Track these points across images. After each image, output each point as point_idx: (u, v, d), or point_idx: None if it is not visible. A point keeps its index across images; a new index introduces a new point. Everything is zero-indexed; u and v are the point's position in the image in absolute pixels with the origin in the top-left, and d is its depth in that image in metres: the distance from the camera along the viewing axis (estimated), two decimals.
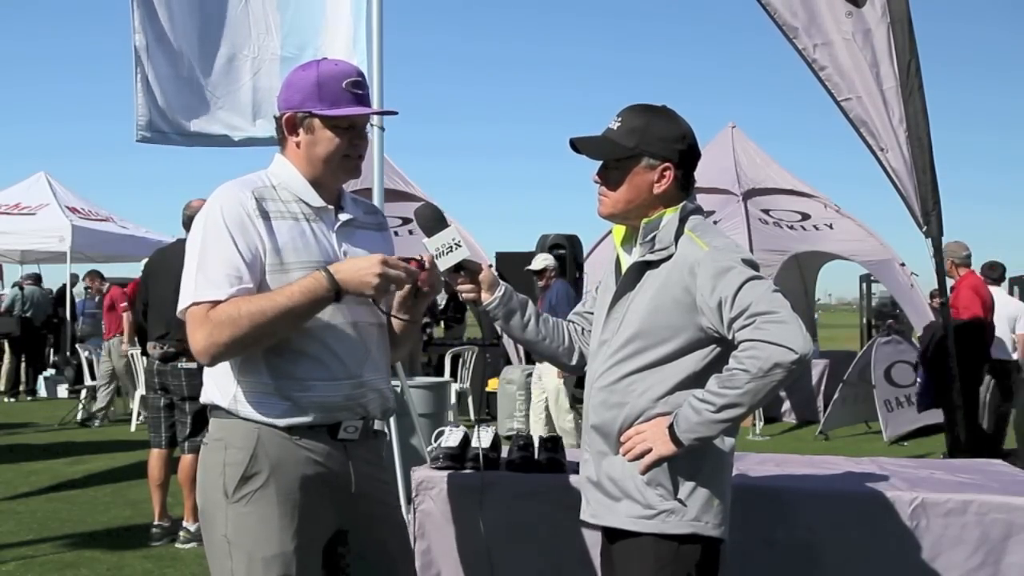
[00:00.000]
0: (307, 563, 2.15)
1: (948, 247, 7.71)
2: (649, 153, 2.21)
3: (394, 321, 2.37)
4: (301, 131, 2.21)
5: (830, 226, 11.09)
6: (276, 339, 2.11)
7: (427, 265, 2.26)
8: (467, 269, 2.35)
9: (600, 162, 2.29)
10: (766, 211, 10.99)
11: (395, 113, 2.35)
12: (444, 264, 2.29)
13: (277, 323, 2.07)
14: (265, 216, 2.14)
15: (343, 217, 2.27)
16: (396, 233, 11.84)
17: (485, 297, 2.39)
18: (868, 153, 4.94)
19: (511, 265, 9.86)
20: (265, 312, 2.05)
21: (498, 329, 2.54)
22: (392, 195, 10.19)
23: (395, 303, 2.34)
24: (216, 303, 2.06)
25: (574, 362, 2.50)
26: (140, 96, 4.54)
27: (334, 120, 2.19)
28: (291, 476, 2.14)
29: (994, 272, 8.15)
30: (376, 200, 4.23)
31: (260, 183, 2.20)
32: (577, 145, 2.26)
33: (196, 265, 2.11)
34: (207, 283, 2.08)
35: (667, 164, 2.22)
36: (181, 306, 2.12)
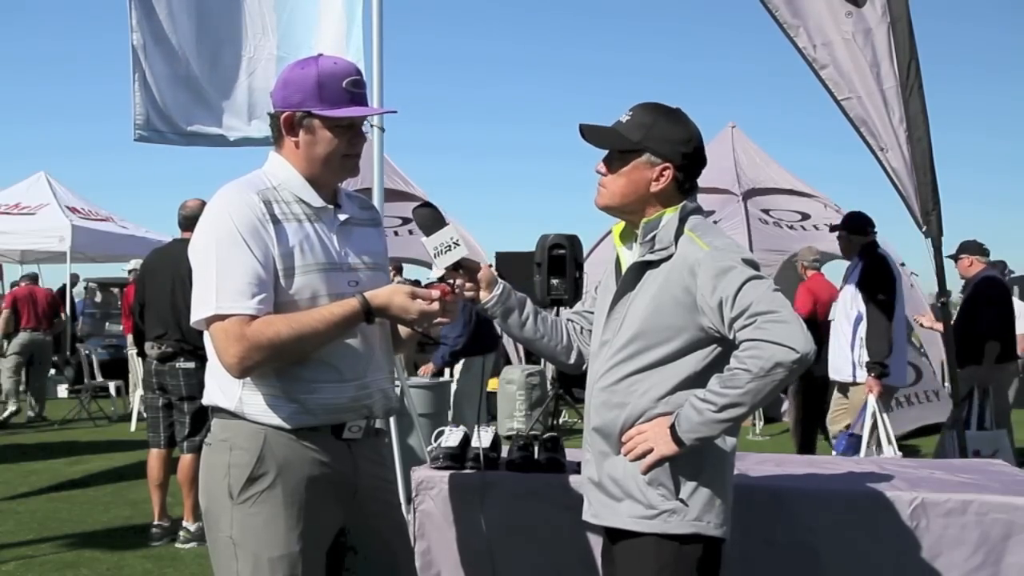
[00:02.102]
0: (312, 563, 2.15)
1: (800, 252, 7.80)
2: (652, 150, 2.21)
3: (402, 330, 2.39)
4: (301, 131, 2.20)
5: (830, 226, 11.09)
6: (305, 356, 2.15)
7: (456, 291, 2.30)
8: (466, 267, 2.35)
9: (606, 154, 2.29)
10: (766, 211, 10.99)
11: (394, 112, 2.36)
12: (443, 262, 2.30)
13: (311, 347, 2.12)
14: (275, 220, 2.13)
15: (342, 216, 2.27)
16: (396, 233, 11.86)
17: (484, 295, 2.39)
18: (868, 153, 4.93)
19: (511, 265, 9.85)
20: (303, 337, 2.08)
21: (497, 328, 2.55)
22: (392, 195, 10.18)
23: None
24: (249, 317, 2.06)
25: (572, 360, 2.51)
26: (138, 95, 4.54)
27: (335, 120, 2.18)
28: (297, 477, 2.15)
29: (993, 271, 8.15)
30: (376, 200, 4.23)
31: (262, 184, 2.19)
32: (584, 132, 2.27)
33: (214, 274, 2.08)
34: (230, 294, 2.06)
35: (667, 164, 2.22)
36: (200, 315, 2.10)
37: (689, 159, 2.24)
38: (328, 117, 2.17)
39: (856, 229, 5.83)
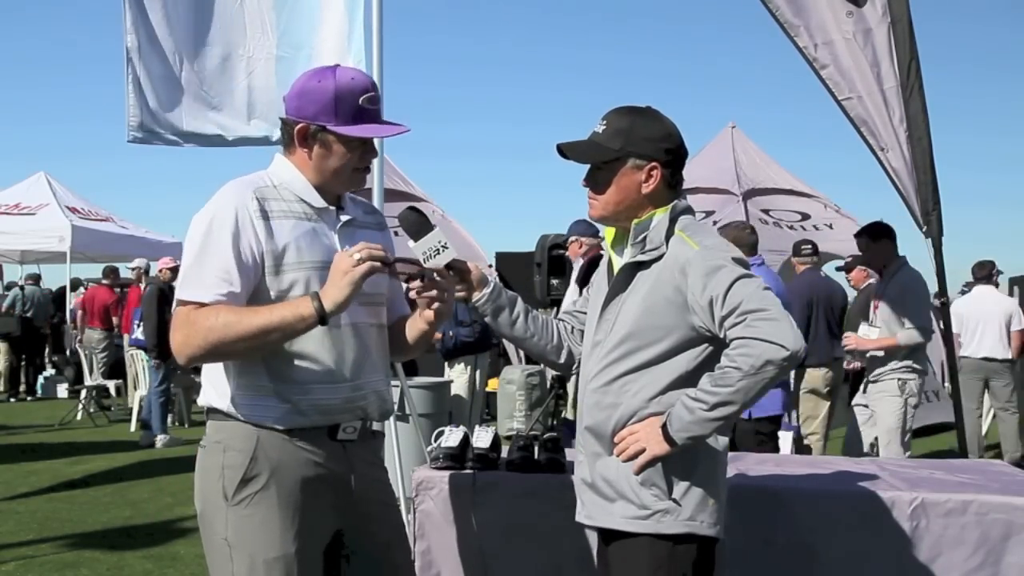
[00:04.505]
0: (308, 565, 2.15)
1: None
2: (635, 154, 2.22)
3: (411, 331, 2.38)
4: (315, 145, 2.19)
5: (830, 226, 11.08)
6: (252, 354, 2.11)
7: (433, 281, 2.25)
8: (456, 268, 2.35)
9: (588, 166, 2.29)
10: (766, 211, 10.97)
11: (407, 130, 2.32)
12: (433, 266, 2.28)
13: (249, 338, 2.06)
14: (266, 216, 2.13)
15: (344, 217, 2.27)
16: (396, 233, 11.84)
17: (475, 294, 2.39)
18: (868, 153, 4.93)
19: (511, 265, 9.84)
20: (241, 323, 2.05)
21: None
22: (392, 195, 10.16)
23: (417, 315, 2.35)
24: (201, 305, 2.07)
25: (562, 360, 2.51)
26: (132, 97, 4.52)
27: (349, 137, 2.19)
28: (292, 478, 2.14)
29: (982, 271, 8.17)
30: (376, 200, 4.23)
31: (262, 183, 2.20)
32: (564, 150, 2.27)
33: (189, 266, 2.12)
34: (196, 284, 2.09)
35: (654, 164, 2.22)
36: (174, 308, 2.14)
37: (672, 154, 2.24)
38: (343, 135, 2.18)
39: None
